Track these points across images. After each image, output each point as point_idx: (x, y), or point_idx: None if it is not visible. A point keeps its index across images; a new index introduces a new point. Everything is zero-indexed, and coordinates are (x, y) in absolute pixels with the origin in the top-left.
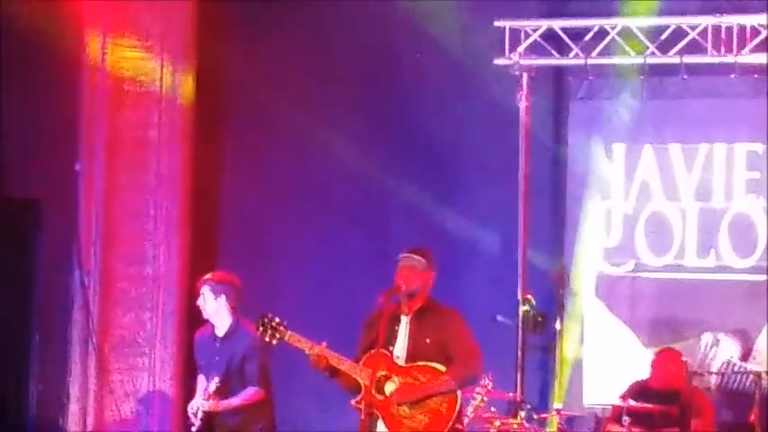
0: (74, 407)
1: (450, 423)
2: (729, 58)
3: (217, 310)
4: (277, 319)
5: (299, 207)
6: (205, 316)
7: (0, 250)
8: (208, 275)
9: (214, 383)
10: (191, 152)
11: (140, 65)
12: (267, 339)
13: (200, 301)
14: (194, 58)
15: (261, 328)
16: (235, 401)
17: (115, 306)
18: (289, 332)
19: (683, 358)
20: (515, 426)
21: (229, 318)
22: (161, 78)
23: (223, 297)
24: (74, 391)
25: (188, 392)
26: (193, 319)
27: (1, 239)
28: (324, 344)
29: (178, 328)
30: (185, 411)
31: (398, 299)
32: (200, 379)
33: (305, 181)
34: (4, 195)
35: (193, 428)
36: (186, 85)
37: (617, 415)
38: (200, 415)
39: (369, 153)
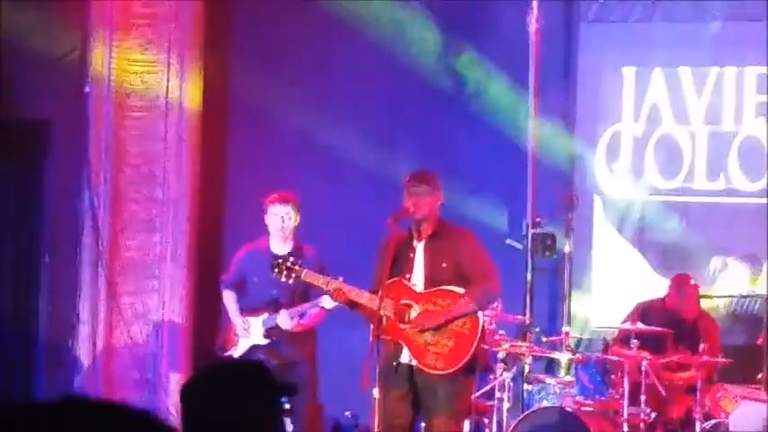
0: (83, 328)
1: (475, 344)
2: None
3: (293, 229)
4: (291, 260)
5: (310, 133)
6: (280, 233)
7: (11, 172)
8: (280, 194)
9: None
10: (201, 75)
11: None
12: (284, 279)
13: (281, 219)
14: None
15: (276, 270)
16: (309, 322)
17: (125, 228)
18: (305, 271)
19: (695, 284)
20: (524, 349)
21: (293, 238)
22: None
23: (299, 216)
24: (83, 312)
25: (198, 315)
26: (203, 240)
27: (12, 161)
28: (340, 279)
29: (188, 251)
30: (195, 333)
31: (410, 224)
32: (230, 295)
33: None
34: (14, 116)
35: (243, 344)
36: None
37: (623, 337)
38: (261, 332)
39: (377, 90)
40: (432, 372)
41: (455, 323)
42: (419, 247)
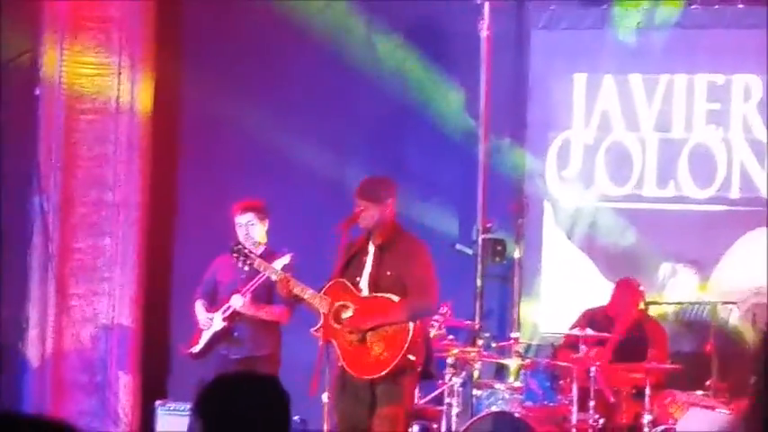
0: (33, 332)
1: (401, 354)
2: None
3: (262, 235)
4: (248, 248)
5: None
6: (248, 242)
7: None
8: (240, 203)
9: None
10: (153, 78)
11: None
12: (240, 265)
13: (245, 228)
14: None
15: (235, 254)
16: (268, 312)
17: (75, 231)
18: (258, 259)
19: (641, 288)
20: (473, 354)
21: (265, 240)
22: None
23: (266, 221)
24: (33, 315)
25: (147, 318)
26: (153, 244)
27: None
28: (289, 273)
29: (138, 254)
30: (144, 336)
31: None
32: (199, 302)
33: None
34: None
35: (205, 336)
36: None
37: (570, 342)
38: (220, 317)
39: (329, 94)
40: (357, 375)
41: (385, 330)
42: (371, 251)
